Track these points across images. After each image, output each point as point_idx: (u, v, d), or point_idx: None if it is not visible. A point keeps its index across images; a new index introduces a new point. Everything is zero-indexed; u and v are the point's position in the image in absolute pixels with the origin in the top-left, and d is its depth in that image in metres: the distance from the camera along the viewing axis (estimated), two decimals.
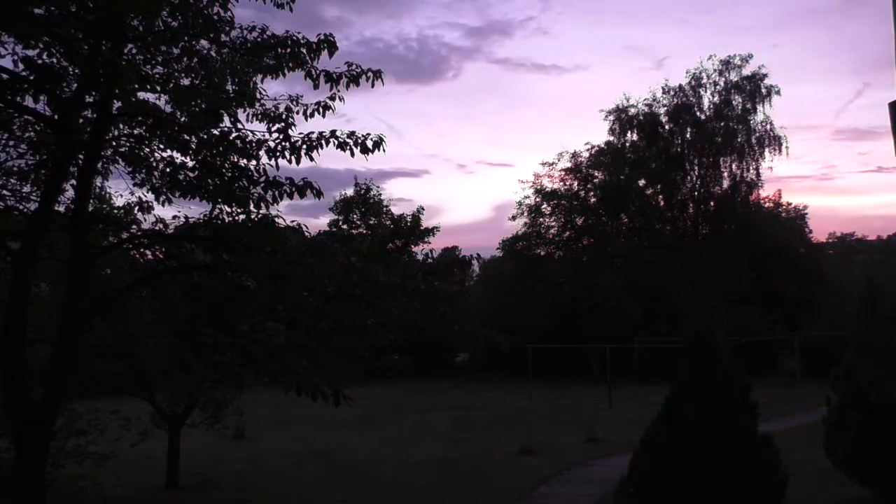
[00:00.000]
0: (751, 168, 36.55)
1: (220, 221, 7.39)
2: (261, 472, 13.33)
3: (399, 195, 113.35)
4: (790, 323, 31.18)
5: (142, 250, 8.15)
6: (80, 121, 7.02)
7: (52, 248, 7.56)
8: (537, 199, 35.58)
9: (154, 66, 6.98)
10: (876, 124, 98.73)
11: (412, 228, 28.80)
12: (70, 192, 7.43)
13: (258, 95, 7.26)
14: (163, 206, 7.73)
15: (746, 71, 36.39)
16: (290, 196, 6.98)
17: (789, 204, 39.10)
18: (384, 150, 6.82)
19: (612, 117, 37.80)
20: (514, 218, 36.22)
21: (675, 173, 36.89)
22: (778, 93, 36.43)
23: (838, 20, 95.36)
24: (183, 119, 7.09)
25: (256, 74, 7.20)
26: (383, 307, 7.36)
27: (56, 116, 6.69)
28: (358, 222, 31.59)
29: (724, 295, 29.43)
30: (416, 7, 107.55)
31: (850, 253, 57.83)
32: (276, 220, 7.13)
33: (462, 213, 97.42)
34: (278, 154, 6.92)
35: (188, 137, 7.22)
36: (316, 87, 7.04)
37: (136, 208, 8.33)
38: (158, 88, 6.88)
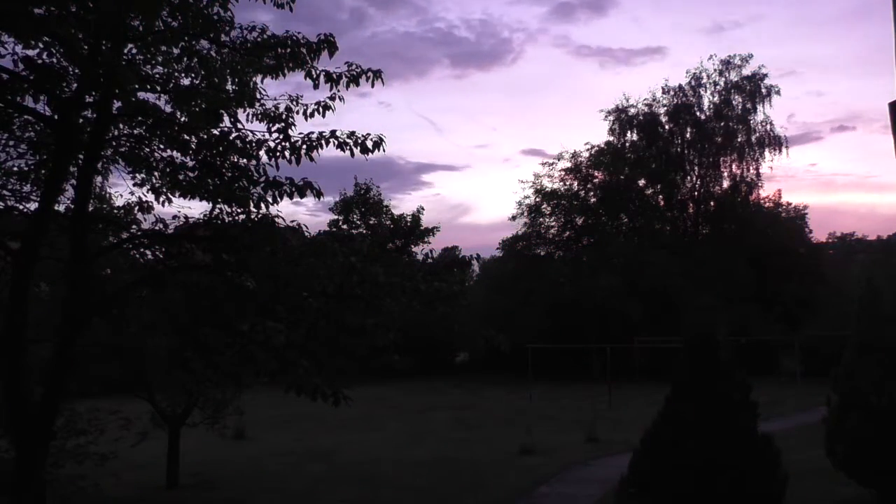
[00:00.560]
0: (751, 168, 36.72)
1: (220, 221, 7.38)
2: (261, 473, 13.34)
3: (436, 190, 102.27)
4: (790, 323, 31.12)
5: (142, 250, 8.14)
6: (80, 121, 7.00)
7: (52, 248, 7.54)
8: (537, 199, 35.62)
9: (154, 66, 6.99)
10: None
11: (412, 228, 28.79)
12: (70, 192, 7.42)
13: (258, 95, 7.26)
14: (163, 206, 7.73)
15: (746, 71, 36.53)
16: (290, 196, 6.98)
17: (789, 204, 39.14)
18: (384, 151, 6.86)
19: (611, 117, 37.82)
20: (514, 218, 36.32)
21: (675, 173, 36.94)
22: (778, 93, 36.57)
23: None
24: (183, 119, 7.08)
25: (256, 74, 7.20)
26: (384, 307, 7.36)
27: (56, 116, 6.68)
28: (358, 222, 31.56)
29: (724, 295, 29.40)
30: None
31: (850, 253, 57.86)
32: (276, 219, 7.14)
33: (500, 209, 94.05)
34: (278, 154, 6.93)
35: (188, 137, 7.22)
36: (316, 87, 7.04)
37: (136, 208, 8.30)
38: (158, 88, 6.90)
